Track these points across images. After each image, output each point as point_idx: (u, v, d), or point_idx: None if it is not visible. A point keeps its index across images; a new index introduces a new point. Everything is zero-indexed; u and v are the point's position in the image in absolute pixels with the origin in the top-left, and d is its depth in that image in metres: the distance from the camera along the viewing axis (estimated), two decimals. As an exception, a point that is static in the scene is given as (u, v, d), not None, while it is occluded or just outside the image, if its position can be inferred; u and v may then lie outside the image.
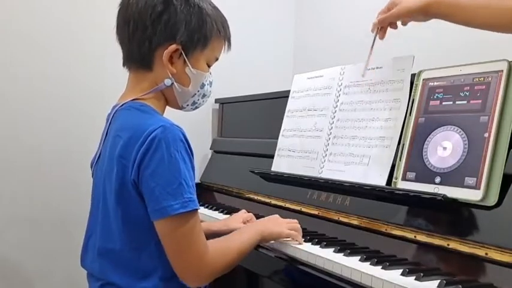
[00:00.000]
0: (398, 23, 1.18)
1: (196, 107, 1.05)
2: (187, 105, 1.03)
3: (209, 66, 1.02)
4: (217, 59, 1.03)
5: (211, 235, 1.19)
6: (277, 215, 1.16)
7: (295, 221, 1.15)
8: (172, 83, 0.97)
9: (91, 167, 1.06)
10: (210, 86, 1.04)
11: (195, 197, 0.90)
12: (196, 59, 0.98)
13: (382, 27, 1.20)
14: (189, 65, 0.97)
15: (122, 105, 0.97)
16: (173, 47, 0.94)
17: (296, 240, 1.11)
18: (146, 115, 0.94)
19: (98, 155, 1.02)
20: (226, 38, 1.02)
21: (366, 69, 1.25)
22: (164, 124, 0.88)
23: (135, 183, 0.89)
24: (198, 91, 1.01)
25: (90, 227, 1.02)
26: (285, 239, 1.11)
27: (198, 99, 1.03)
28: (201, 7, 0.96)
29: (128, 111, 0.95)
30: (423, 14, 1.09)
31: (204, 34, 0.97)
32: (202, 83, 1.01)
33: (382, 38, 1.21)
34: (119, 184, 0.90)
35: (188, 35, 0.95)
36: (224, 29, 1.01)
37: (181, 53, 0.95)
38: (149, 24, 0.93)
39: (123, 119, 0.95)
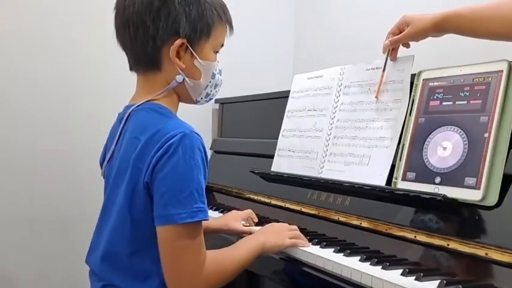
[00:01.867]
0: (411, 41, 1.17)
1: (210, 99, 1.04)
2: (202, 98, 1.01)
3: (216, 53, 1.00)
4: (223, 45, 1.01)
5: (210, 233, 1.20)
6: (275, 223, 1.15)
7: (295, 227, 1.14)
8: (184, 79, 0.95)
9: (100, 166, 1.05)
10: (220, 75, 1.02)
11: (205, 206, 0.88)
12: (203, 49, 0.96)
13: (394, 48, 1.19)
14: (197, 57, 0.95)
15: (140, 105, 0.95)
16: (178, 41, 0.92)
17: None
18: (166, 118, 0.92)
19: (110, 155, 1.00)
20: (228, 22, 1.00)
21: (380, 91, 1.23)
22: (184, 130, 0.87)
23: (148, 186, 0.88)
24: (210, 82, 0.99)
25: (99, 225, 1.00)
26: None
27: (211, 90, 1.01)
28: None
29: (146, 113, 0.94)
30: (437, 30, 1.08)
31: (206, 23, 0.94)
32: (213, 73, 0.99)
33: (394, 59, 1.21)
34: (132, 186, 0.89)
35: (191, 27, 0.93)
36: (224, 14, 0.99)
37: (187, 46, 0.94)
38: (150, 23, 0.91)
39: (141, 120, 0.93)
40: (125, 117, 0.97)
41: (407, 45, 1.19)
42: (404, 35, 1.14)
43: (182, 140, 0.86)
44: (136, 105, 0.96)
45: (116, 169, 0.95)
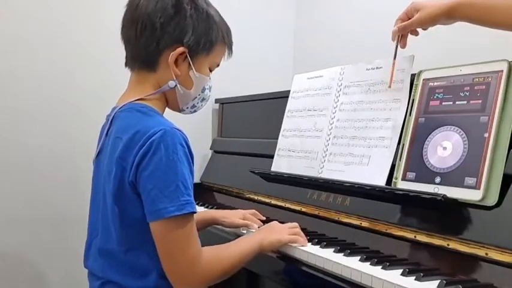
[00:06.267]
0: (419, 29, 1.15)
1: (195, 111, 1.07)
2: (187, 107, 1.05)
3: (210, 71, 1.05)
4: (218, 65, 1.06)
5: (210, 224, 1.27)
6: (276, 223, 1.15)
7: (295, 224, 1.14)
8: (176, 85, 0.98)
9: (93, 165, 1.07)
10: (210, 91, 1.06)
11: (192, 199, 0.89)
12: (201, 63, 1.00)
13: (403, 35, 1.17)
14: (193, 68, 0.99)
15: (122, 106, 0.97)
16: (180, 49, 0.96)
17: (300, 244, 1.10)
18: (147, 117, 0.94)
19: (96, 154, 1.02)
20: (229, 45, 1.06)
21: (392, 81, 1.21)
22: (165, 127, 0.89)
23: (133, 185, 0.89)
24: (199, 95, 1.03)
25: (91, 227, 1.02)
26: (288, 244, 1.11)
27: (198, 103, 1.05)
28: (209, 14, 0.99)
29: (129, 113, 0.96)
30: (448, 17, 1.06)
31: (210, 39, 0.99)
32: (203, 87, 1.03)
33: (404, 46, 1.18)
34: (118, 185, 0.90)
35: (195, 39, 0.97)
36: (228, 37, 1.05)
37: (187, 56, 0.97)
38: (158, 26, 0.95)
39: (124, 120, 0.95)
40: (110, 119, 0.99)
41: (415, 33, 1.16)
42: (413, 21, 1.11)
43: (163, 137, 0.87)
44: (120, 106, 0.98)
45: (102, 169, 0.97)
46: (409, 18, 1.13)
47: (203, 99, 1.05)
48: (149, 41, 0.95)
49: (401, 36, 1.17)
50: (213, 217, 1.29)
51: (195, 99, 1.03)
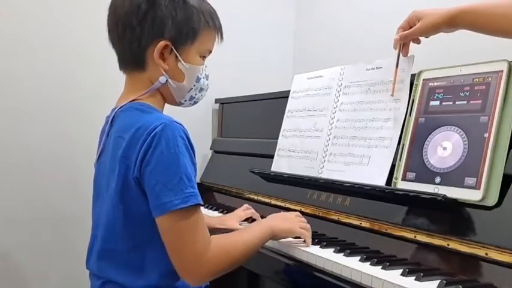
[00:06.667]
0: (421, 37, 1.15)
1: (195, 102, 1.06)
2: (185, 100, 1.03)
3: (204, 59, 1.02)
4: (210, 51, 1.03)
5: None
6: (283, 212, 1.16)
7: (304, 219, 1.14)
8: (167, 80, 0.97)
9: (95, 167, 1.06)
10: (207, 79, 1.03)
11: (197, 191, 0.89)
12: (188, 53, 0.98)
13: (405, 43, 1.17)
14: (180, 59, 0.97)
15: (121, 107, 0.97)
16: (162, 43, 0.94)
17: (304, 241, 1.10)
18: (146, 114, 0.94)
19: (98, 156, 1.02)
20: (216, 28, 1.02)
21: (394, 88, 1.21)
22: (165, 121, 0.88)
23: (138, 180, 0.89)
24: (194, 85, 1.01)
25: (94, 228, 1.02)
26: (294, 239, 1.11)
27: (196, 94, 1.03)
28: (186, 1, 0.96)
29: (128, 112, 0.96)
30: (449, 26, 1.06)
31: (192, 27, 0.96)
32: (198, 77, 1.01)
33: (406, 55, 1.19)
34: (122, 182, 0.90)
35: (176, 30, 0.95)
36: (213, 20, 1.00)
37: (172, 48, 0.96)
38: (136, 24, 0.93)
39: (124, 120, 0.95)
40: (110, 119, 0.99)
41: (417, 41, 1.17)
42: (414, 30, 1.11)
43: (163, 130, 0.87)
44: (119, 106, 0.98)
45: (105, 169, 0.97)
46: (411, 27, 1.13)
47: (201, 89, 1.03)
48: (131, 40, 0.94)
49: (403, 45, 1.18)
50: (210, 226, 1.27)
51: (191, 91, 1.01)
